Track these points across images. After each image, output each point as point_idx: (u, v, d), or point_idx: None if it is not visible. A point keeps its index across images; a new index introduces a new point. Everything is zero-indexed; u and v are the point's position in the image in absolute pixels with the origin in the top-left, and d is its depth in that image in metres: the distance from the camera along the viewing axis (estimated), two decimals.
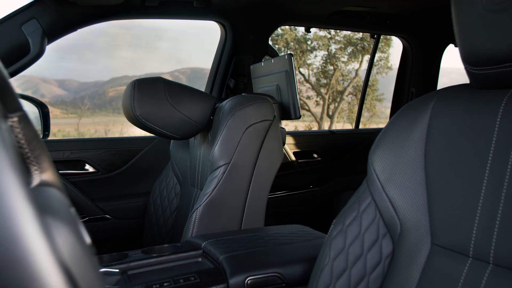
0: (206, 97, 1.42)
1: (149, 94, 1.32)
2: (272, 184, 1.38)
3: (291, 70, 1.47)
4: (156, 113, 1.33)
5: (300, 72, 10.54)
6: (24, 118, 0.26)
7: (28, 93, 4.96)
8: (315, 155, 2.27)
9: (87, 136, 9.44)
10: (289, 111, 1.50)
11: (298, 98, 1.48)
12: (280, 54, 1.62)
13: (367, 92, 3.01)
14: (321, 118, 10.71)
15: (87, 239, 0.25)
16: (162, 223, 1.62)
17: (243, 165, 1.31)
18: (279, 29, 9.17)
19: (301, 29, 9.36)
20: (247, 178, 1.32)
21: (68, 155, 1.72)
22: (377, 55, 8.55)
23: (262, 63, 1.65)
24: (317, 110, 10.73)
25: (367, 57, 10.30)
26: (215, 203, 1.28)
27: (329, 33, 10.33)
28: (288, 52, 1.55)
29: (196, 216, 1.27)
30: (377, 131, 2.45)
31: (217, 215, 1.29)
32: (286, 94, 1.50)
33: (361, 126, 2.77)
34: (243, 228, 1.34)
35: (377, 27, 2.28)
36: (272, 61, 1.57)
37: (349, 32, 10.28)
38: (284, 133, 1.47)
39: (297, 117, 1.49)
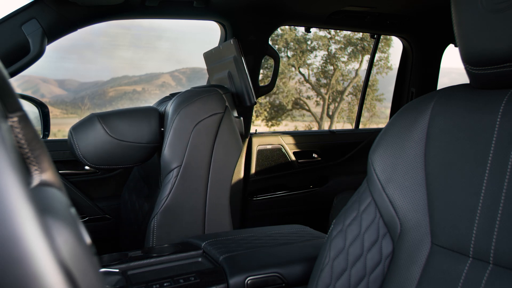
0: (146, 113, 1.34)
1: (89, 138, 1.25)
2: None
3: (239, 56, 1.39)
4: (106, 153, 1.26)
5: (300, 72, 10.54)
6: (24, 118, 0.26)
7: (28, 93, 4.96)
8: (315, 155, 2.27)
9: None
10: (244, 98, 1.42)
11: (250, 83, 1.40)
12: (280, 54, 1.61)
13: (367, 92, 3.01)
14: (321, 118, 10.71)
15: (87, 239, 0.25)
16: (137, 229, 1.54)
17: (197, 164, 1.24)
18: (279, 29, 9.16)
19: (301, 29, 9.35)
20: (203, 178, 1.25)
21: (68, 155, 1.71)
22: (377, 55, 8.54)
23: (213, 50, 1.56)
24: (317, 110, 10.73)
25: (367, 57, 10.30)
26: (172, 208, 1.21)
27: (329, 33, 10.33)
28: (234, 37, 1.43)
29: (154, 225, 1.20)
30: (377, 131, 2.46)
31: (177, 220, 1.22)
32: (238, 80, 1.42)
33: (361, 126, 2.76)
34: (207, 231, 1.27)
35: (377, 27, 2.28)
36: (221, 48, 1.48)
37: (349, 32, 10.28)
38: (240, 123, 1.37)
39: (252, 103, 1.41)
